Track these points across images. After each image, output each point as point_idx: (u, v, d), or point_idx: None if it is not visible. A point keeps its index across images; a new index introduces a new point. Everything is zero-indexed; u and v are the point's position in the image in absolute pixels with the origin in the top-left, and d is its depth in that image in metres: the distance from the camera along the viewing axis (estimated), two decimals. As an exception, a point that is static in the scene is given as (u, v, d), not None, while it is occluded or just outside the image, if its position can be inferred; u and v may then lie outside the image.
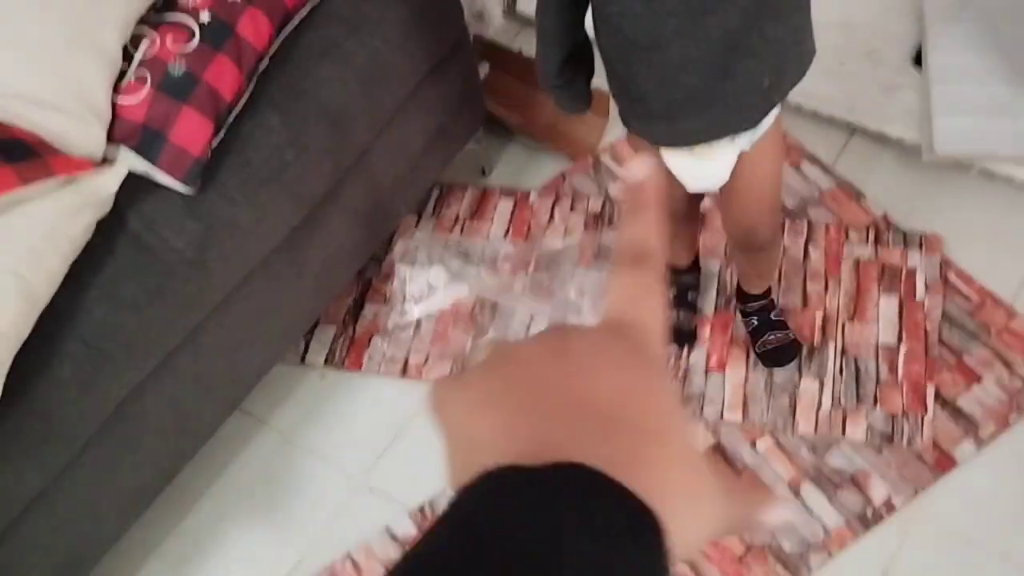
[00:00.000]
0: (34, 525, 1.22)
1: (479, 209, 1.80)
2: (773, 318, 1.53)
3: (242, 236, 1.32)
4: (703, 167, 1.17)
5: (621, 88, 1.10)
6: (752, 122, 1.11)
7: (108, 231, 1.24)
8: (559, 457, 0.29)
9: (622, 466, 0.29)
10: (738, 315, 1.58)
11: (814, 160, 1.77)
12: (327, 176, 1.42)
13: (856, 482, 1.42)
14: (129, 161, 1.27)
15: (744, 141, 1.13)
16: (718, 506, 0.34)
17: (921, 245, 1.61)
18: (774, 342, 1.52)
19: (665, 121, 1.10)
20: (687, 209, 1.37)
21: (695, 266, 1.60)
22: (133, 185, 1.26)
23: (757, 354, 1.54)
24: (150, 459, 1.36)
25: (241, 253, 1.34)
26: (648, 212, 0.40)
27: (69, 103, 1.25)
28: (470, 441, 0.34)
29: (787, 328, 1.53)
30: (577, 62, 1.14)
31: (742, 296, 1.55)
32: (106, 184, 1.24)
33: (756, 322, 1.54)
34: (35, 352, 1.15)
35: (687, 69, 1.00)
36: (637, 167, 0.41)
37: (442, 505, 1.41)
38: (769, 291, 1.54)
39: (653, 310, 0.37)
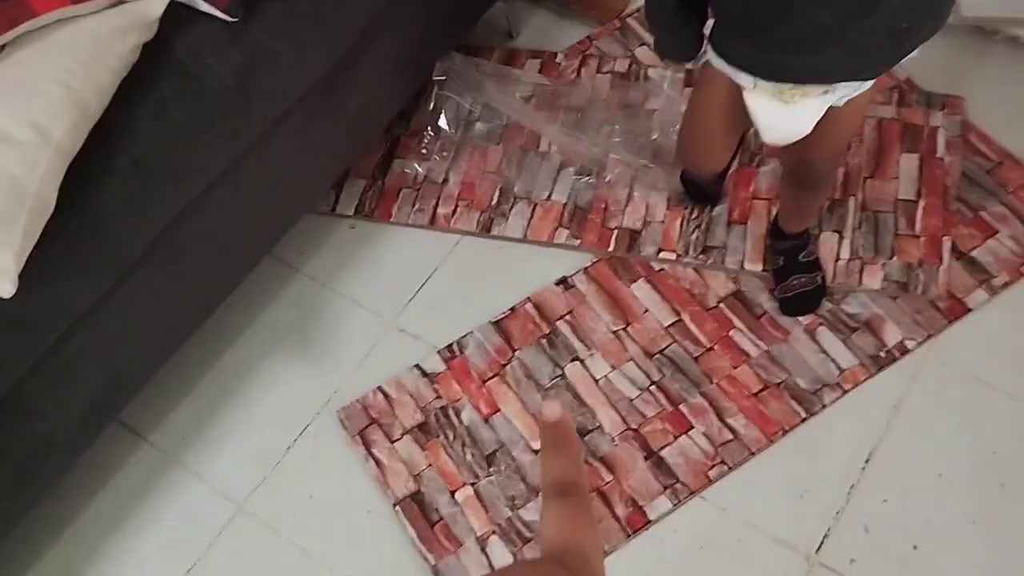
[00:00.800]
0: (82, 341, 1.26)
1: (503, 70, 1.82)
2: (801, 259, 1.48)
3: (283, 69, 1.34)
4: (788, 116, 1.08)
5: (740, 10, 0.99)
6: (874, 70, 1.03)
7: (155, 58, 1.26)
8: None
9: None
10: (760, 170, 1.62)
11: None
12: (362, 16, 1.43)
13: (871, 327, 1.47)
14: (173, -13, 1.30)
15: (841, 94, 1.05)
16: None
17: (944, 106, 1.64)
18: (796, 287, 1.49)
19: (782, 53, 1.00)
20: (737, 115, 1.17)
21: (721, 178, 1.58)
22: (178, 14, 1.28)
23: (777, 300, 1.51)
24: (192, 287, 1.41)
25: (282, 87, 1.36)
26: (569, 447, 0.45)
27: (116, -73, 1.27)
28: None
29: (815, 270, 1.49)
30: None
31: (776, 232, 1.49)
32: (151, 8, 1.26)
33: (782, 262, 1.49)
34: (86, 166, 1.19)
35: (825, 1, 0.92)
36: (551, 408, 0.46)
37: (469, 344, 1.47)
38: (806, 231, 1.48)
39: (590, 538, 0.42)
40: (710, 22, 1.08)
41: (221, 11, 1.30)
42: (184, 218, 1.32)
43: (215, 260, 1.42)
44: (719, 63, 1.08)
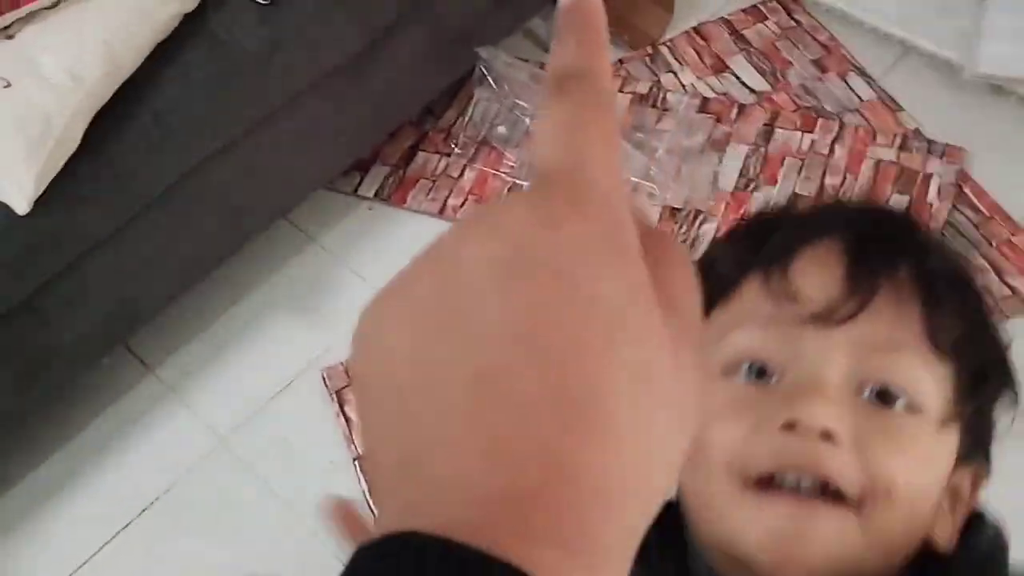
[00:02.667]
0: (95, 266, 1.43)
1: (536, 77, 1.93)
2: None
3: (308, 48, 1.50)
4: None
5: None
6: None
7: (192, 26, 1.43)
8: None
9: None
10: (753, 195, 1.68)
11: (862, 73, 1.83)
12: (393, 9, 1.57)
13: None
14: (216, -33, 1.47)
15: None
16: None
17: (943, 154, 1.67)
18: None
19: None
20: None
21: None
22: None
23: None
24: (205, 235, 1.57)
25: (305, 64, 1.51)
26: (591, 29, 0.28)
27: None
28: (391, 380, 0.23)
29: None
30: None
31: None
32: (193, -18, 1.44)
33: None
34: (112, 115, 1.36)
35: None
36: None
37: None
38: None
39: (599, 150, 0.25)
40: None
41: (256, -7, 1.47)
42: (198, 171, 1.48)
43: (226, 214, 1.58)
44: None
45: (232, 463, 1.58)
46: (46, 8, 1.37)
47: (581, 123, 0.26)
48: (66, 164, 1.32)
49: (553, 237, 0.23)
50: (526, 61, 1.97)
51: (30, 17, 1.36)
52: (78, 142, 1.33)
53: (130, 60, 1.38)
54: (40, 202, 1.30)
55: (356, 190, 1.86)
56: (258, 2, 1.46)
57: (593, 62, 0.27)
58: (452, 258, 0.24)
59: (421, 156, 1.89)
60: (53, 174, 1.31)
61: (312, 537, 1.48)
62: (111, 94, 1.36)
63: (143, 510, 1.54)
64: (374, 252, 1.79)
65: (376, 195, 1.85)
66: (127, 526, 1.53)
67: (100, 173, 1.37)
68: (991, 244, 1.58)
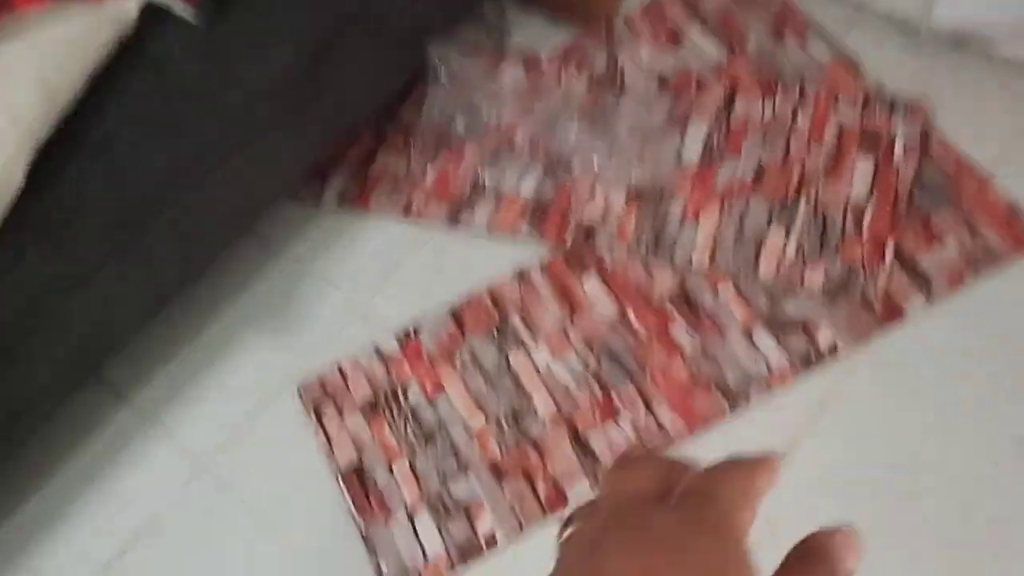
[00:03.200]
0: (58, 303, 1.40)
1: (490, 69, 1.90)
2: None
3: (249, 67, 1.46)
4: None
5: None
6: None
7: (128, 54, 1.40)
8: None
9: None
10: (718, 170, 1.66)
11: (820, 35, 1.80)
12: (334, 16, 1.53)
13: (806, 328, 1.50)
14: (149, -10, 1.43)
15: None
16: None
17: (907, 112, 1.64)
18: None
19: None
20: None
21: None
22: (154, 14, 1.42)
23: None
24: (166, 263, 1.53)
25: (248, 81, 1.47)
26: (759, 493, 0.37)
27: (97, -66, 1.41)
28: None
29: None
30: None
31: None
32: (128, 8, 1.40)
33: None
34: (55, 150, 1.33)
35: None
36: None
37: (423, 329, 1.56)
38: None
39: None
40: None
41: (193, 10, 1.43)
42: (150, 199, 1.44)
43: (186, 239, 1.54)
44: None
45: (215, 487, 1.56)
46: (-25, 46, 1.34)
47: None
48: (13, 206, 1.29)
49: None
50: (480, 51, 1.94)
51: (-41, 57, 1.33)
52: (21, 182, 1.30)
53: (67, 93, 1.34)
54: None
55: (318, 199, 1.84)
56: (195, 23, 1.43)
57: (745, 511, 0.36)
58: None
59: (381, 159, 1.86)
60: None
61: (303, 559, 1.47)
62: (50, 130, 1.33)
63: (129, 541, 1.53)
64: (342, 259, 1.76)
65: (340, 201, 1.82)
66: (113, 560, 1.51)
67: (48, 212, 1.34)
68: (961, 199, 1.55)
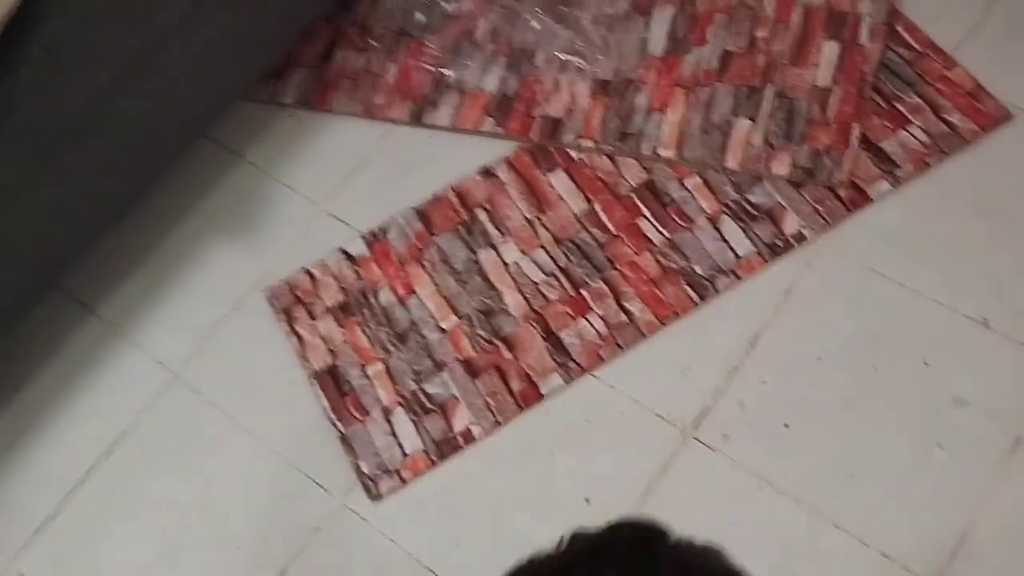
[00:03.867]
0: (13, 213, 1.37)
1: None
2: None
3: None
4: None
5: None
6: None
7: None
8: None
9: None
10: (684, 58, 1.63)
11: (785, -88, 1.75)
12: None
13: (771, 215, 1.50)
14: None
15: None
16: None
17: (872, -7, 1.63)
18: None
19: None
20: None
21: None
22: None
23: None
24: (122, 167, 1.49)
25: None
26: None
27: None
28: None
29: None
30: None
31: None
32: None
33: None
34: (1, 55, 1.28)
35: None
36: None
37: (391, 229, 1.55)
38: None
39: None
40: None
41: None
42: (101, 101, 1.39)
43: (139, 143, 1.50)
44: None
45: (188, 396, 1.56)
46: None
47: None
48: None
49: None
50: (435, -61, 1.87)
51: None
52: (-37, 91, 1.25)
53: (6, -5, 1.28)
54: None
55: (275, 98, 1.79)
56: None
57: None
58: None
59: (339, 55, 1.80)
60: (-57, 128, 1.23)
61: (280, 461, 1.48)
62: (-7, 33, 1.27)
63: (104, 454, 1.53)
64: (304, 161, 1.73)
65: (297, 101, 1.78)
66: (89, 472, 1.52)
67: (-5, 120, 1.29)
68: (926, 81, 1.55)
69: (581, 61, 1.67)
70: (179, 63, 1.47)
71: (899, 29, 1.59)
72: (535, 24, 1.72)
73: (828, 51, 1.59)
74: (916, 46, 1.57)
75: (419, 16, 1.79)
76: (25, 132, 1.33)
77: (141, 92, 1.44)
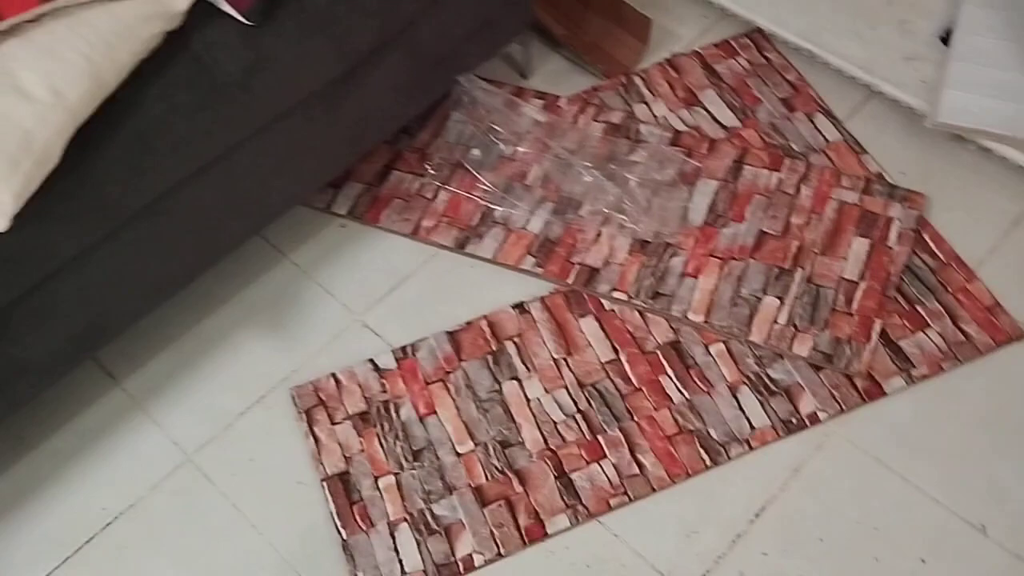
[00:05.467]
0: (68, 282, 1.42)
1: (511, 103, 1.95)
2: None
3: (288, 72, 1.50)
4: None
5: None
6: None
7: (173, 46, 1.43)
8: None
9: None
10: (721, 231, 1.73)
11: (828, 114, 1.88)
12: (372, 36, 1.58)
13: (789, 393, 1.56)
14: (201, -12, 1.46)
15: None
16: None
17: (904, 199, 1.73)
18: None
19: None
20: None
21: None
22: (202, 11, 1.45)
23: None
24: (178, 251, 1.56)
25: (284, 87, 1.51)
26: None
27: (160, -72, 1.45)
28: None
29: None
30: None
31: None
32: (179, 2, 1.43)
33: None
34: (94, 132, 1.36)
35: None
36: None
37: (421, 348, 1.60)
38: None
39: None
40: None
41: (240, 14, 1.47)
42: (177, 190, 1.47)
43: (201, 232, 1.57)
44: None
45: (198, 481, 1.57)
46: (28, 22, 1.36)
47: None
48: (44, 181, 1.31)
49: None
50: (503, 86, 2.00)
51: (11, 31, 1.35)
52: (58, 160, 1.32)
53: (112, 77, 1.37)
54: (16, 217, 1.29)
55: (329, 207, 1.87)
56: (243, 22, 1.46)
57: None
58: None
59: (395, 175, 1.90)
60: (32, 191, 1.29)
61: (279, 560, 1.49)
62: (92, 111, 1.35)
63: (105, 526, 1.53)
64: (345, 269, 1.79)
65: (349, 213, 1.86)
66: (89, 541, 1.52)
67: (78, 191, 1.36)
68: (947, 290, 1.64)
69: (624, 218, 1.76)
70: (254, 164, 1.56)
71: (926, 237, 1.69)
72: (585, 177, 1.82)
73: (857, 247, 1.69)
74: (941, 256, 1.67)
75: (476, 152, 1.90)
76: (101, 206, 1.39)
77: (214, 185, 1.52)
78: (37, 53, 1.33)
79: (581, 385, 1.61)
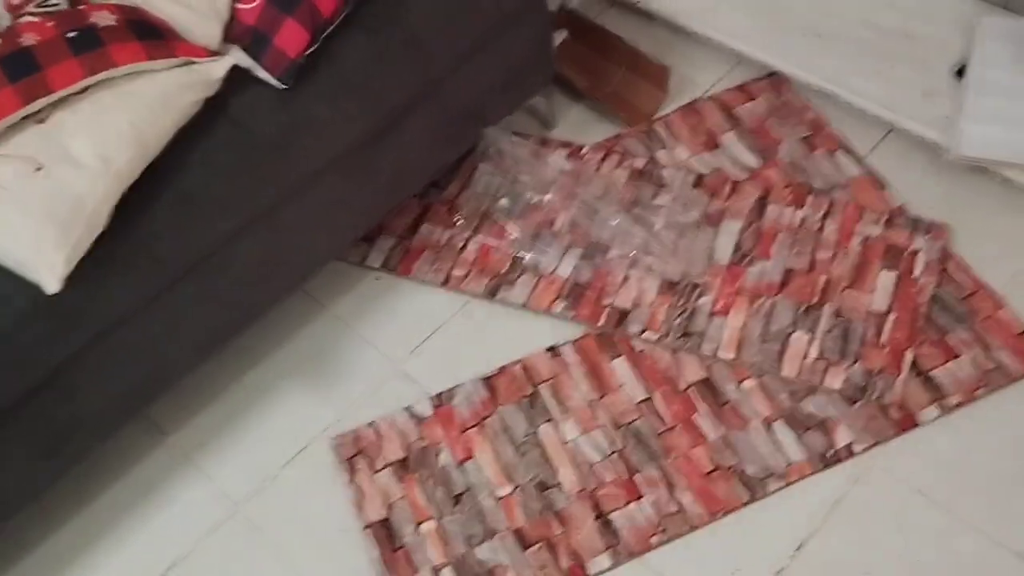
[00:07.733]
0: (122, 339, 1.48)
1: (537, 153, 2.01)
2: None
3: (323, 131, 1.56)
4: None
5: None
6: None
7: (213, 111, 1.50)
8: None
9: None
10: (748, 269, 1.76)
11: (849, 151, 1.92)
12: (403, 94, 1.65)
13: (824, 426, 1.58)
14: (237, 56, 1.53)
15: None
16: None
17: (928, 231, 1.76)
18: None
19: None
20: None
21: None
22: (238, 77, 1.52)
23: None
24: (226, 307, 1.61)
25: (320, 146, 1.58)
26: None
27: (198, 2, 1.53)
28: None
29: None
30: None
31: None
32: (216, 70, 1.50)
33: None
34: (141, 195, 1.42)
35: None
36: None
37: (457, 395, 1.64)
38: None
39: None
40: None
41: (276, 78, 1.54)
42: (221, 247, 1.53)
43: (247, 287, 1.63)
44: None
45: (246, 532, 1.61)
46: (76, 94, 1.43)
47: None
48: (96, 245, 1.37)
49: None
50: (528, 137, 2.05)
51: (60, 103, 1.42)
52: (106, 223, 1.38)
53: (156, 143, 1.43)
54: (67, 279, 1.35)
55: (364, 260, 1.92)
56: (278, 86, 1.53)
57: None
58: None
59: (426, 228, 1.95)
60: (82, 254, 1.36)
61: (324, 605, 1.52)
62: (138, 175, 1.42)
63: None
64: (383, 320, 1.84)
65: (383, 266, 1.91)
66: (141, 595, 1.56)
67: (126, 252, 1.42)
68: (976, 318, 1.65)
69: (652, 260, 1.80)
70: (295, 220, 1.62)
71: (952, 268, 1.71)
72: (612, 222, 1.86)
73: (884, 280, 1.71)
74: (968, 285, 1.69)
75: (504, 202, 1.95)
76: (149, 266, 1.46)
77: (258, 240, 1.57)
78: (86, 122, 1.41)
79: (616, 426, 1.63)
